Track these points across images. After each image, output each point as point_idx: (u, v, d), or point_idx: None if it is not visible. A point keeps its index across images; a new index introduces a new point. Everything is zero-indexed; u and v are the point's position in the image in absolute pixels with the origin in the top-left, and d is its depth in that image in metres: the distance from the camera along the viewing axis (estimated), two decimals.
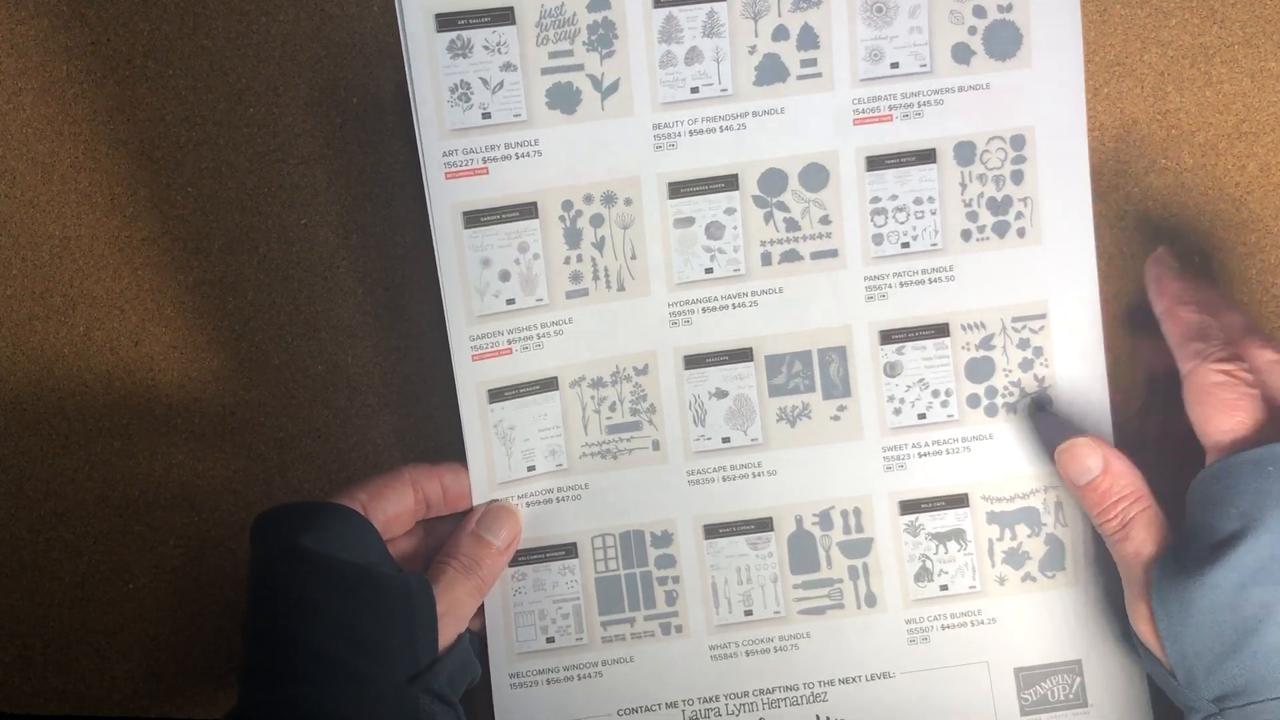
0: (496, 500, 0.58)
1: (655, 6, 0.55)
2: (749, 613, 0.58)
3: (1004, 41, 0.57)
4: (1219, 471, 0.51)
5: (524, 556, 0.58)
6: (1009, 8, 0.56)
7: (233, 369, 0.65)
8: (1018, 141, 0.57)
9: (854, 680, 0.58)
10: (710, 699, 0.58)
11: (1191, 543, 0.51)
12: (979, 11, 0.56)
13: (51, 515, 0.65)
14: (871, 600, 0.58)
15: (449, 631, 0.55)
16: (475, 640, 0.59)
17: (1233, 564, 0.49)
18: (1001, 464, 0.58)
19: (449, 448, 0.60)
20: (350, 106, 0.63)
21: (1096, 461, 0.56)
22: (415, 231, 0.64)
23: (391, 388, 0.64)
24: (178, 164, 0.64)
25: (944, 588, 0.58)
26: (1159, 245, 0.58)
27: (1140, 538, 0.54)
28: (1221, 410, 0.52)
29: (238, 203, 0.64)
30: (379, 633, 0.52)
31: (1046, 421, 0.58)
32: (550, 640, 0.58)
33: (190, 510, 0.65)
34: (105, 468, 0.65)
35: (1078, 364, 0.57)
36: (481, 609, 0.59)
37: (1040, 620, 0.58)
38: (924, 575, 0.58)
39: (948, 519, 0.58)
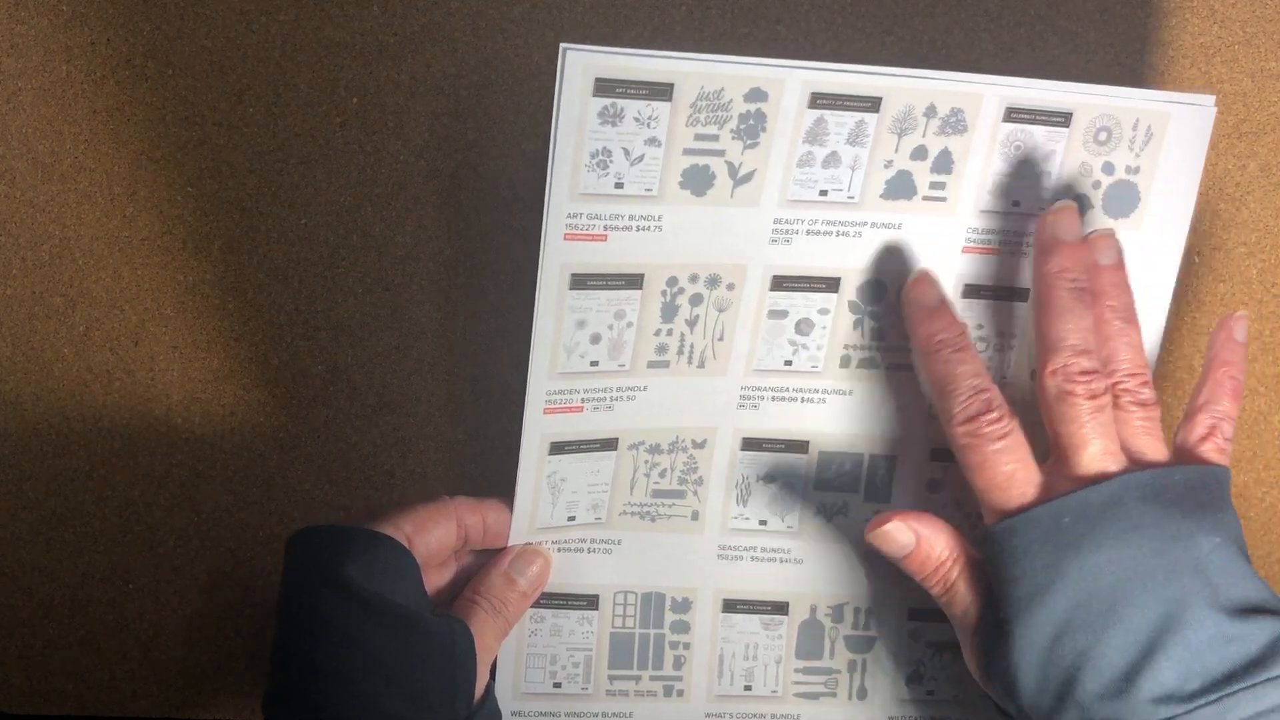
0: (530, 544, 0.60)
1: (810, 106, 0.57)
2: (749, 688, 0.64)
3: (1123, 201, 0.62)
4: (1014, 527, 0.56)
5: (546, 600, 0.65)
6: (1136, 170, 0.61)
7: (233, 369, 0.68)
8: None
9: None
10: None
11: (1001, 599, 0.56)
12: (1108, 168, 0.61)
13: (51, 515, 0.69)
14: (862, 693, 0.65)
15: (481, 678, 0.61)
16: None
17: (1045, 617, 0.54)
18: None
19: (449, 449, 0.66)
20: (350, 106, 0.67)
21: (908, 538, 0.61)
22: (415, 234, 0.68)
23: (392, 388, 0.69)
24: (178, 164, 0.67)
25: (931, 693, 0.66)
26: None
27: (965, 599, 0.60)
28: (975, 469, 0.57)
29: (238, 203, 0.68)
30: (422, 679, 0.58)
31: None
32: (557, 685, 0.63)
33: (190, 510, 0.69)
34: (105, 468, 0.69)
35: None
36: None
37: None
38: (916, 679, 0.65)
39: (947, 630, 0.64)
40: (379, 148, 0.68)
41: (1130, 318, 0.59)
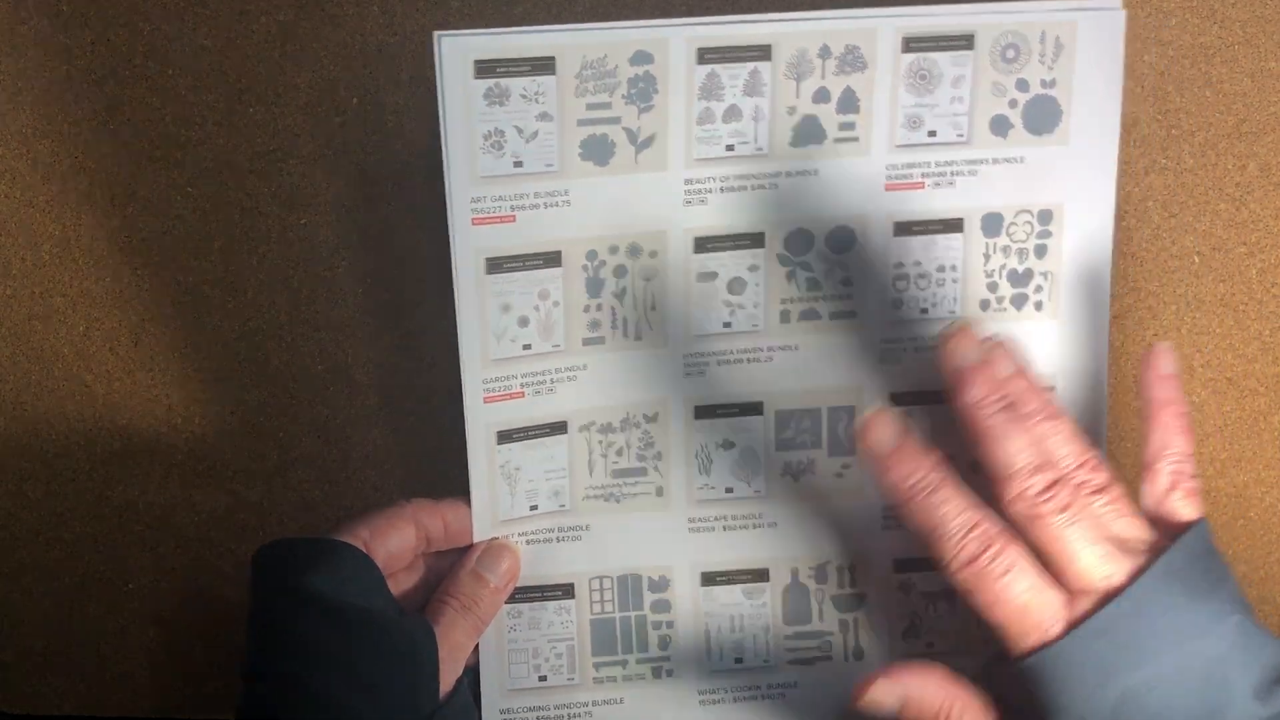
0: (496, 538, 0.60)
1: (699, 62, 0.57)
2: (739, 660, 0.63)
3: (1044, 117, 0.60)
4: (1043, 663, 0.54)
5: (521, 594, 0.64)
6: (1052, 84, 0.60)
7: (232, 369, 0.69)
8: (1045, 216, 0.61)
9: None
10: None
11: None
12: (1022, 85, 0.60)
13: (51, 515, 0.70)
14: (859, 653, 0.63)
15: (449, 677, 0.62)
16: (472, 677, 0.65)
17: None
18: None
19: (447, 451, 0.65)
20: (350, 106, 0.68)
21: (895, 697, 0.58)
22: (414, 233, 0.69)
23: (392, 387, 0.69)
24: (178, 164, 0.68)
25: (930, 645, 0.65)
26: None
27: None
28: (988, 606, 0.56)
29: (238, 203, 0.68)
30: (383, 680, 0.59)
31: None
32: (543, 678, 0.62)
33: (190, 510, 0.70)
34: (105, 468, 0.70)
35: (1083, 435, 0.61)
36: (475, 645, 0.61)
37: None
38: (912, 632, 0.63)
39: (939, 579, 0.62)
40: (379, 148, 0.68)
41: (1052, 413, 0.57)
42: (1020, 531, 0.56)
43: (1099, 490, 0.56)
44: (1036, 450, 0.56)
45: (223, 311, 0.69)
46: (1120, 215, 0.68)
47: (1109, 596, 0.54)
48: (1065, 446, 0.57)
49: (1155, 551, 0.55)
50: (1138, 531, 0.56)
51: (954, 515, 0.56)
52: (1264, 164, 0.68)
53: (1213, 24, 0.68)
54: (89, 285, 0.69)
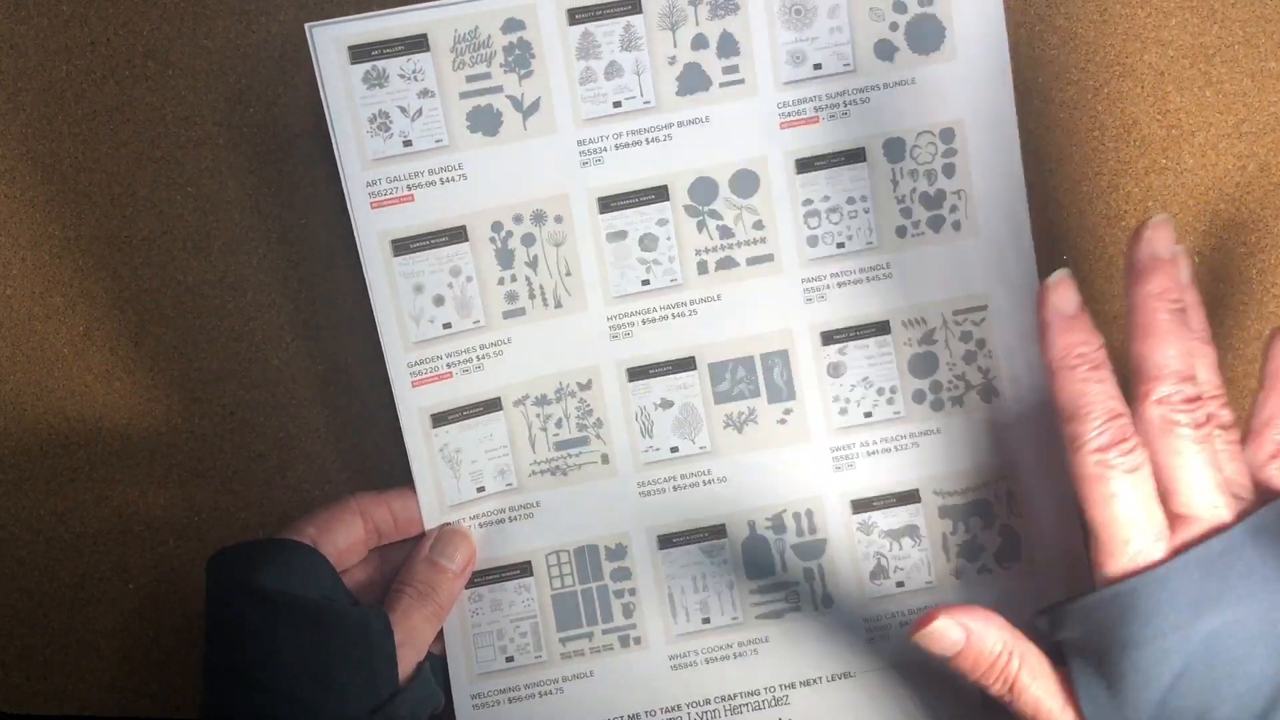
0: (448, 524, 0.61)
1: (570, 24, 0.59)
2: (706, 620, 0.62)
3: (926, 36, 0.60)
4: (1125, 593, 0.53)
5: (479, 577, 0.64)
6: (930, 2, 0.60)
7: (232, 369, 0.70)
8: (947, 135, 0.61)
9: (815, 682, 0.62)
10: (672, 709, 0.63)
11: (1109, 662, 0.54)
12: (899, 7, 0.61)
13: (51, 515, 0.71)
14: (828, 601, 0.62)
15: (408, 661, 0.62)
16: (438, 665, 0.63)
17: (1167, 680, 0.52)
18: (950, 458, 0.63)
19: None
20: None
21: (957, 634, 0.57)
22: None
23: (391, 387, 0.68)
24: (178, 164, 0.69)
25: (900, 584, 0.62)
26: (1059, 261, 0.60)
27: (1034, 688, 0.57)
28: (1099, 503, 0.54)
29: (238, 203, 0.69)
30: (337, 668, 0.59)
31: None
32: (510, 659, 0.62)
33: (190, 510, 0.70)
34: (105, 467, 0.70)
35: (1021, 355, 0.60)
36: (441, 632, 0.61)
37: (1000, 613, 0.61)
38: (879, 573, 0.62)
39: (900, 515, 0.62)
40: None
41: (1208, 339, 0.58)
42: (1145, 438, 0.55)
43: (1226, 427, 0.56)
44: (1189, 363, 0.55)
45: (223, 311, 0.70)
46: (1120, 215, 0.68)
47: (1214, 531, 0.53)
48: (1210, 374, 0.57)
49: (1254, 504, 0.55)
50: (1243, 479, 0.56)
51: (1103, 398, 0.55)
52: (1264, 164, 0.68)
53: (1213, 24, 0.68)
54: (89, 285, 0.70)
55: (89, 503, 0.71)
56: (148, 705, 0.71)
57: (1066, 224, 0.66)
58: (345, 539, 0.63)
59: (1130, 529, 0.54)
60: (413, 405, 0.64)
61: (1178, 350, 0.55)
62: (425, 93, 0.62)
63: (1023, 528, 0.65)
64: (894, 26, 0.63)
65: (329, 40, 0.61)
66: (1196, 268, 0.68)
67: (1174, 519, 0.54)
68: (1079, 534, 0.65)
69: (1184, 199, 0.68)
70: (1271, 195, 0.68)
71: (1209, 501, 0.54)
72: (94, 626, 0.71)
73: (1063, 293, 0.56)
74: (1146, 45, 0.68)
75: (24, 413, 0.70)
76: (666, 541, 0.66)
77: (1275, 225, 0.68)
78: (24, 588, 0.71)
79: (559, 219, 0.64)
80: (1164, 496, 0.55)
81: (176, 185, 0.69)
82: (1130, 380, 0.56)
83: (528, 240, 0.64)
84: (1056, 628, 0.57)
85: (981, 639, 0.56)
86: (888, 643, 0.65)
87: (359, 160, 0.62)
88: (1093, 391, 0.55)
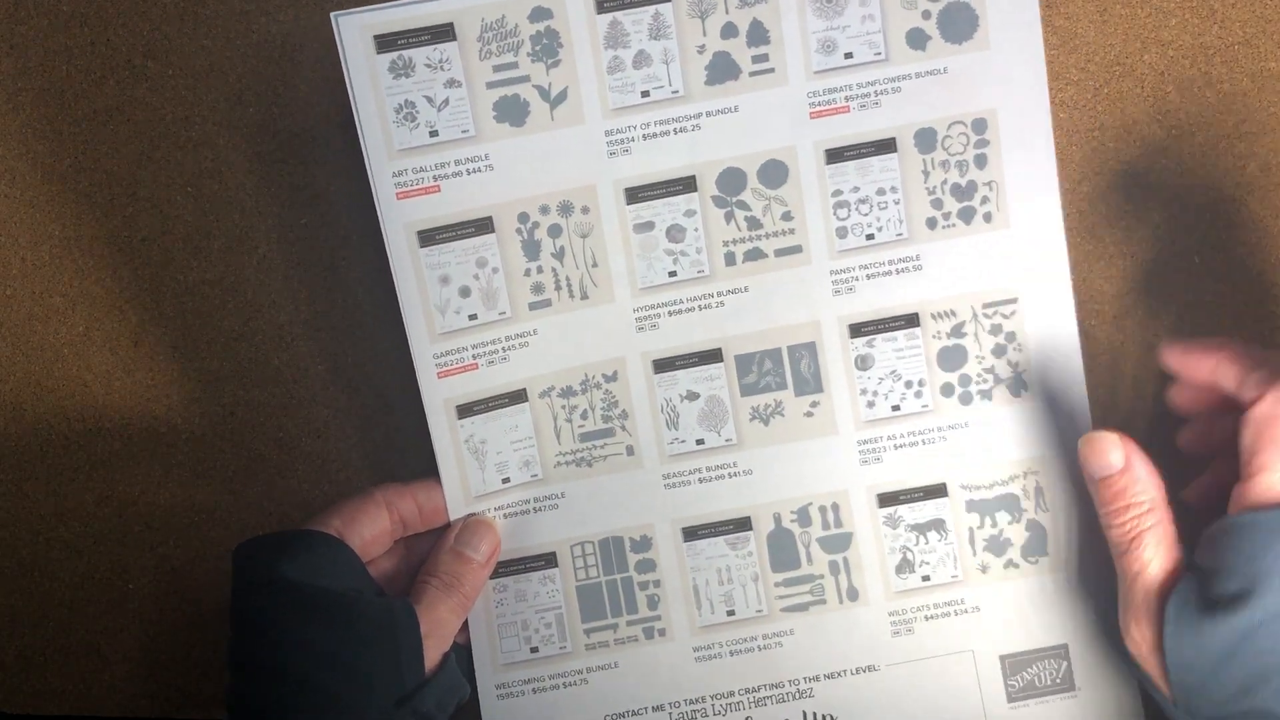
0: (473, 515, 0.61)
1: (599, 12, 0.58)
2: (731, 613, 0.62)
3: (960, 24, 0.59)
4: (1269, 520, 0.54)
5: (504, 568, 0.64)
6: None
7: (232, 369, 0.70)
8: (979, 125, 0.60)
9: (839, 675, 0.62)
10: (696, 700, 0.62)
11: (1217, 578, 0.55)
12: None
13: (51, 515, 0.71)
14: (854, 594, 0.61)
15: (434, 652, 0.61)
16: (463, 654, 0.65)
17: (1262, 607, 0.52)
18: (979, 452, 0.62)
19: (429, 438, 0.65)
20: (350, 106, 0.67)
21: (1118, 457, 0.59)
22: None
23: (392, 388, 0.69)
24: (178, 164, 0.69)
25: (926, 578, 0.61)
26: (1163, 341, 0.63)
27: (1146, 556, 0.58)
28: (1277, 445, 0.55)
29: (238, 203, 0.69)
30: (364, 660, 0.59)
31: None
32: (534, 650, 0.62)
33: (190, 510, 0.70)
34: (105, 467, 0.70)
35: (1052, 348, 0.61)
36: (466, 623, 0.61)
37: (1024, 606, 0.61)
38: (905, 567, 0.61)
39: (927, 509, 0.61)
40: None
41: None
42: None
43: None
44: None
45: (223, 311, 0.69)
46: (1120, 215, 0.67)
47: None
48: None
49: None
50: None
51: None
52: (1264, 164, 0.67)
53: (1213, 24, 0.67)
54: (89, 285, 0.70)
55: (89, 503, 0.71)
56: (148, 705, 0.71)
57: (1067, 224, 0.65)
58: (371, 530, 0.62)
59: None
60: (438, 396, 0.64)
61: None
62: (452, 82, 0.61)
63: (1050, 522, 0.65)
64: (926, 15, 0.62)
65: (355, 29, 0.60)
66: (1197, 267, 0.67)
67: None
68: None
69: (1184, 198, 0.67)
70: (1271, 195, 0.67)
71: None
72: (94, 626, 0.71)
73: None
74: (1146, 45, 0.67)
75: (24, 413, 0.70)
76: (691, 534, 0.65)
77: (1275, 225, 0.67)
78: (24, 588, 0.71)
79: (586, 210, 0.63)
80: None
81: (176, 185, 0.69)
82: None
83: (554, 231, 0.63)
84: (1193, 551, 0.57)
85: (1138, 475, 0.58)
86: (912, 636, 0.65)
87: (385, 151, 0.61)
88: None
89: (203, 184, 0.69)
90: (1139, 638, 0.57)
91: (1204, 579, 0.55)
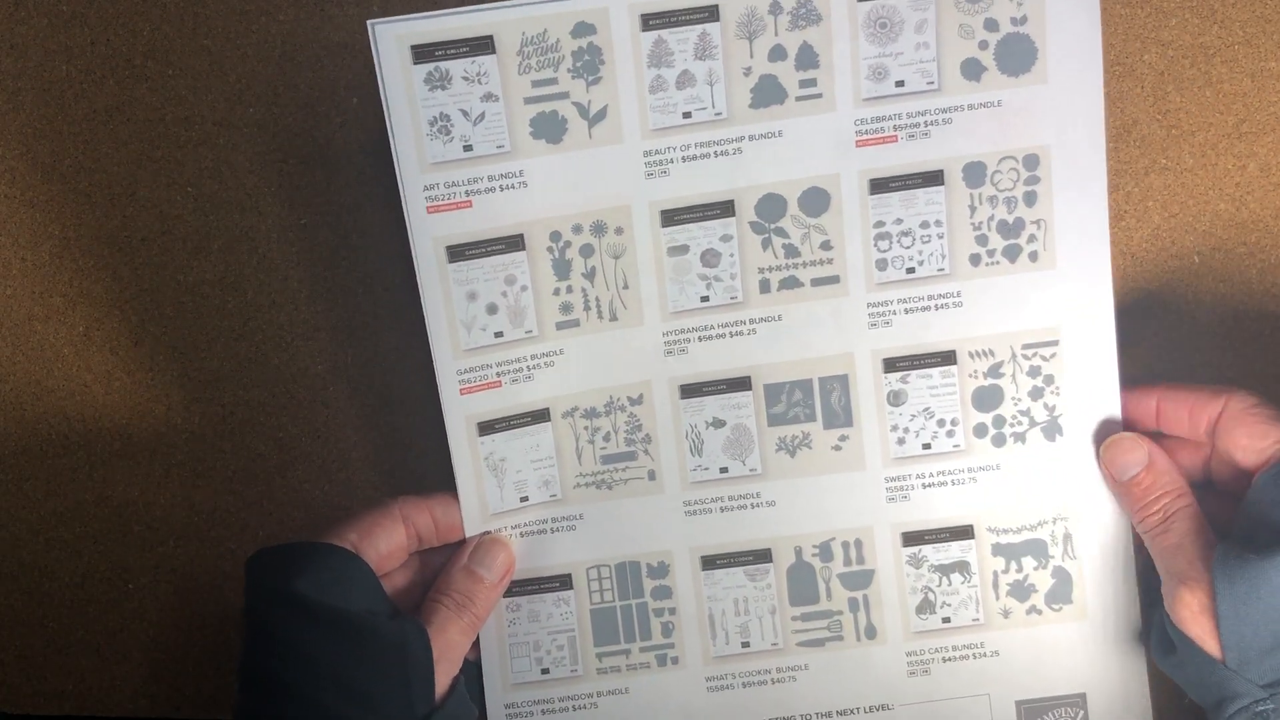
0: (489, 533, 0.60)
1: (644, 30, 0.56)
2: (746, 644, 0.61)
3: (1018, 56, 0.57)
4: None
5: (518, 587, 0.63)
6: (1023, 20, 0.57)
7: (232, 369, 0.69)
8: (1031, 161, 0.58)
9: (852, 712, 0.61)
10: None
11: (1260, 528, 0.56)
12: (991, 25, 0.57)
13: (51, 515, 0.70)
14: (871, 632, 0.60)
15: (444, 677, 0.60)
16: (473, 670, 0.65)
17: None
18: (1009, 495, 0.61)
19: (448, 453, 0.64)
20: (350, 106, 0.67)
21: (1140, 456, 0.60)
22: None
23: (392, 388, 0.68)
24: (178, 164, 0.68)
25: (946, 620, 0.60)
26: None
27: (1182, 529, 0.58)
28: (1271, 423, 0.57)
29: (238, 203, 0.68)
30: (374, 685, 0.58)
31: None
32: (545, 671, 0.61)
33: (190, 510, 0.70)
34: (105, 467, 0.70)
35: (1091, 394, 0.59)
36: (477, 639, 0.60)
37: (1044, 653, 0.61)
38: (926, 607, 0.60)
39: (952, 550, 0.60)
40: (381, 146, 0.66)
41: None
42: None
43: None
44: None
45: (223, 311, 0.69)
46: (1120, 215, 0.66)
47: None
48: None
49: None
50: None
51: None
52: (1264, 164, 0.66)
53: (1213, 24, 0.65)
54: (89, 285, 0.69)
55: (89, 503, 0.70)
56: (148, 705, 0.71)
57: None
58: (387, 544, 0.61)
59: None
60: (460, 413, 0.62)
61: None
62: (489, 96, 0.59)
63: (1076, 570, 0.63)
64: (984, 45, 0.60)
65: (391, 38, 0.58)
66: (1197, 267, 0.66)
67: None
68: (1133, 578, 0.63)
69: (1184, 199, 0.66)
70: (1271, 195, 0.66)
71: None
72: (94, 626, 0.71)
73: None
74: (1146, 45, 0.66)
75: (24, 413, 0.70)
76: (710, 562, 0.64)
77: (1275, 225, 0.66)
78: (24, 588, 0.71)
79: (619, 231, 0.61)
80: None
81: (176, 185, 0.68)
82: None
83: (586, 251, 0.61)
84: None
85: (1161, 470, 0.59)
86: (929, 678, 0.64)
87: (417, 164, 0.59)
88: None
89: (203, 184, 0.68)
90: (1189, 601, 0.56)
91: (1256, 534, 0.56)
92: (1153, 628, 0.61)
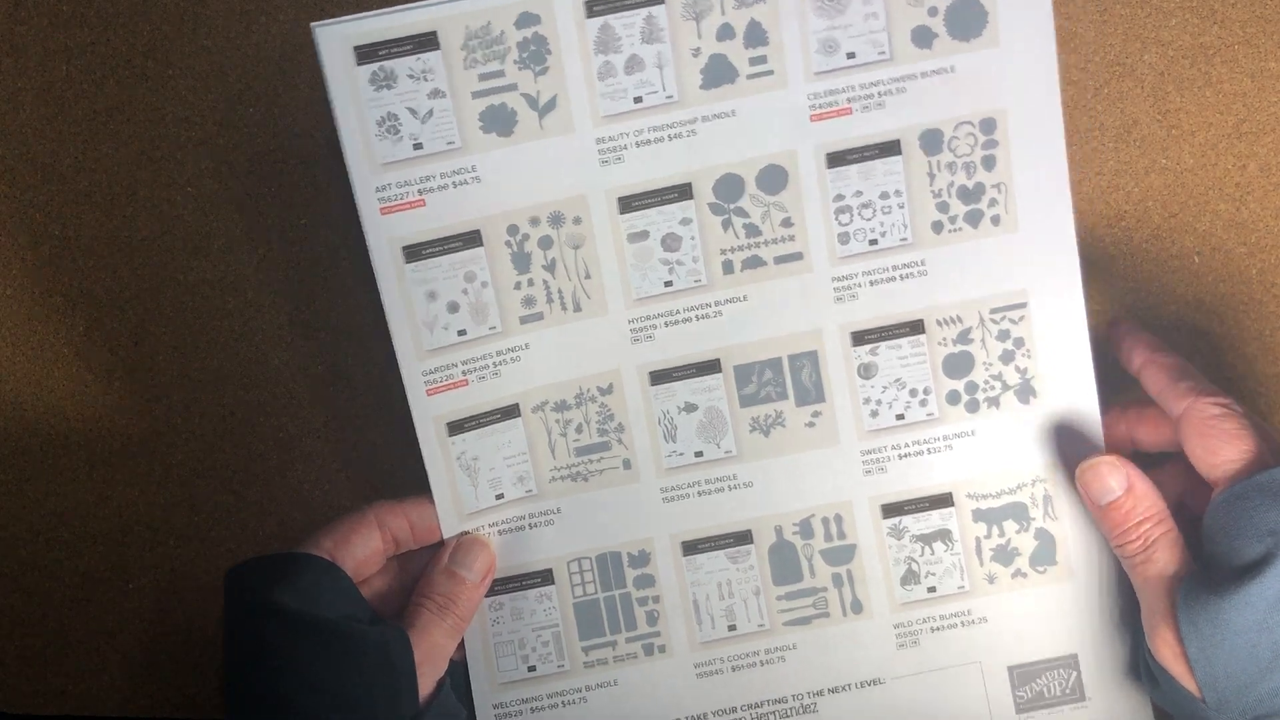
0: (467, 533, 0.59)
1: (589, 16, 0.55)
2: (733, 628, 0.60)
3: (968, 21, 0.57)
4: (1239, 494, 0.55)
5: (500, 586, 0.63)
6: None
7: (232, 369, 0.69)
8: (988, 125, 0.57)
9: (844, 689, 0.60)
10: (698, 717, 0.62)
11: (1216, 565, 0.55)
12: None
13: (51, 515, 0.70)
14: (857, 607, 0.60)
15: (429, 680, 0.60)
16: (459, 672, 0.64)
17: (1266, 582, 0.53)
18: (986, 460, 0.61)
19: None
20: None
21: (1120, 481, 0.58)
22: None
23: (391, 388, 0.67)
24: (178, 164, 0.68)
25: (932, 589, 0.60)
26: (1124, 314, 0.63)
27: (1164, 559, 0.57)
28: (1226, 440, 0.56)
29: (237, 203, 0.68)
30: (358, 690, 0.57)
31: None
32: (532, 669, 0.60)
33: (190, 510, 0.69)
34: (105, 467, 0.69)
35: (1062, 354, 0.59)
36: (462, 641, 0.60)
37: (1033, 616, 0.60)
38: (910, 578, 0.59)
39: (932, 519, 0.60)
40: None
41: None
42: None
43: None
44: None
45: (222, 311, 0.68)
46: (1120, 215, 0.66)
47: None
48: None
49: None
50: None
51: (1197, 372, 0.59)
52: (1264, 164, 0.66)
53: (1213, 24, 0.65)
54: (89, 285, 0.69)
55: (89, 503, 0.69)
56: (148, 705, 0.70)
57: None
58: (363, 550, 0.60)
59: (1258, 458, 0.55)
60: (428, 414, 0.61)
61: None
62: (436, 93, 0.58)
63: (1059, 530, 0.63)
64: (933, 11, 0.59)
65: (334, 40, 0.57)
66: (1197, 267, 0.66)
67: None
68: None
69: (1184, 199, 0.66)
70: (1271, 195, 0.66)
71: None
72: (94, 626, 0.70)
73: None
74: (1146, 45, 0.65)
75: (24, 413, 0.69)
76: (691, 548, 0.64)
77: (1275, 225, 0.66)
78: (24, 588, 0.70)
79: (577, 220, 0.60)
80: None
81: (176, 185, 0.67)
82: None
83: (545, 243, 0.61)
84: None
85: (1140, 495, 0.58)
86: (918, 649, 0.64)
87: (367, 164, 0.58)
88: (1189, 365, 0.59)
89: (203, 184, 0.68)
90: (1169, 639, 0.56)
91: (1214, 566, 0.55)
92: (1139, 659, 0.61)
